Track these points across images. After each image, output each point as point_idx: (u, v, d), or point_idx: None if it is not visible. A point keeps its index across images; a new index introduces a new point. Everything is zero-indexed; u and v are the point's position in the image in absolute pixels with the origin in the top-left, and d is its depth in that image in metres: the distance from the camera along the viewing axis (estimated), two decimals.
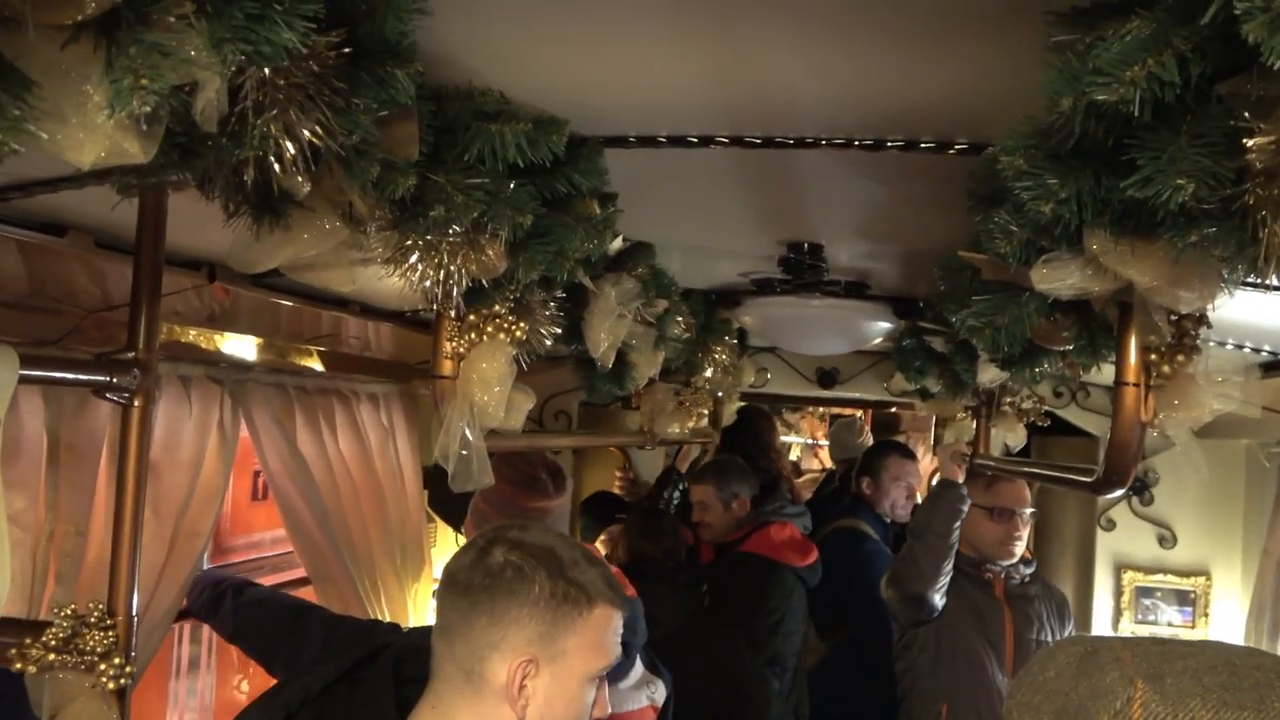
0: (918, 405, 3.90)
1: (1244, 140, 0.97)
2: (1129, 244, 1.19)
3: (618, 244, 2.20)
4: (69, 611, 1.64)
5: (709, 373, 3.30)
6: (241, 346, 2.73)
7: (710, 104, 1.50)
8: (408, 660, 1.65)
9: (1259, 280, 1.13)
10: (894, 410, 5.75)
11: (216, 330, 2.63)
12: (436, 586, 1.62)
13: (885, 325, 3.12)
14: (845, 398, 4.91)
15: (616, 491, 4.75)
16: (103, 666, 1.63)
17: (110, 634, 1.66)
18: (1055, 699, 0.95)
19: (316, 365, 3.08)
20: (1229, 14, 0.80)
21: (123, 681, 1.66)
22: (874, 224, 2.18)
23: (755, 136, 1.58)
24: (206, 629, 3.23)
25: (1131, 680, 0.90)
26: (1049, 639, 3.46)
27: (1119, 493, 1.71)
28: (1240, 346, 2.75)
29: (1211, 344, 1.69)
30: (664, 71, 1.40)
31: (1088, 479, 1.71)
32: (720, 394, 4.18)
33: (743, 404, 5.38)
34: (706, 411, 4.12)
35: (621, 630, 1.63)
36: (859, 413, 8.26)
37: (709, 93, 1.46)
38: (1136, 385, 1.52)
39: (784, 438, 8.54)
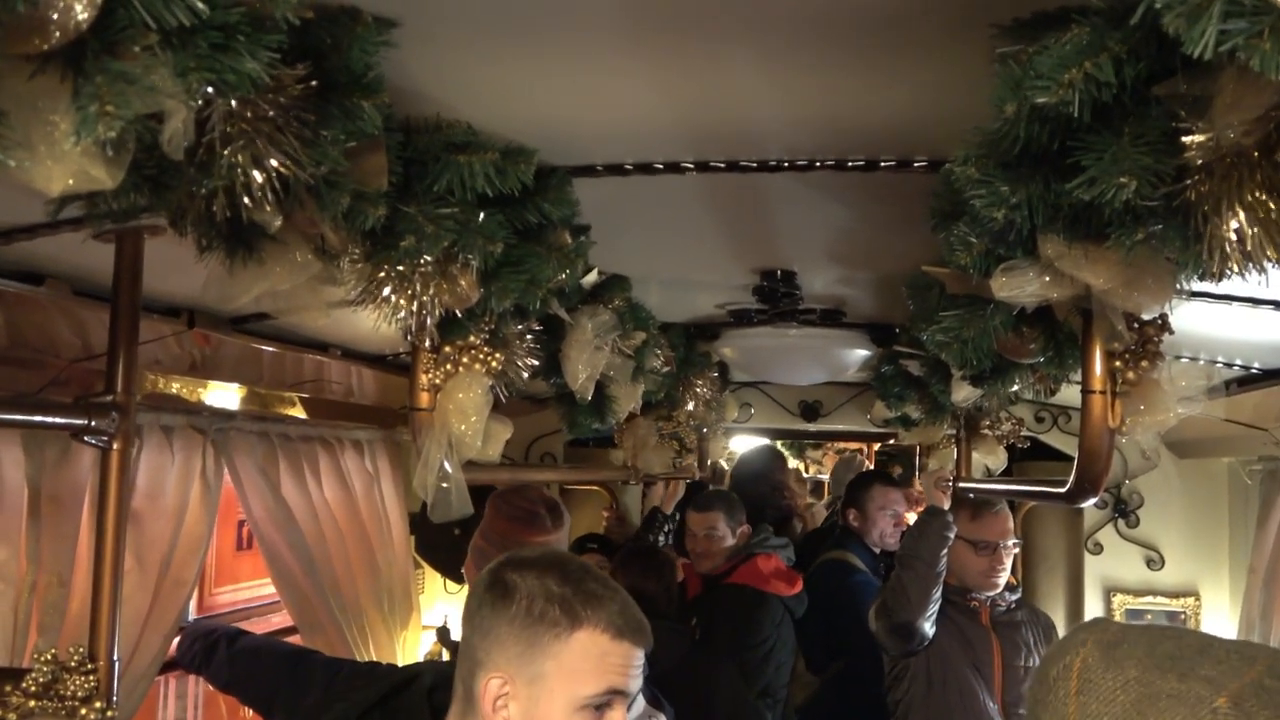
0: (900, 435, 3.92)
1: (1182, 138, 1.01)
2: (1082, 248, 1.22)
3: (593, 277, 2.23)
4: (49, 657, 1.63)
5: (690, 406, 3.31)
6: (224, 396, 2.75)
7: (674, 130, 1.53)
8: (440, 688, 1.64)
9: (1208, 277, 1.16)
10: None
11: (199, 379, 2.64)
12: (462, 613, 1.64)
13: (862, 353, 3.15)
14: (829, 430, 4.93)
15: (603, 532, 4.74)
16: (84, 712, 1.62)
17: (91, 679, 1.65)
18: (1041, 663, 1.01)
19: (300, 413, 3.10)
20: (1155, 12, 0.83)
21: None
22: (843, 248, 2.22)
23: (720, 161, 1.61)
24: (191, 684, 3.21)
25: (1084, 641, 0.95)
26: (1036, 665, 3.47)
27: (1091, 501, 1.72)
28: (1214, 362, 2.78)
29: (1184, 359, 1.71)
30: (628, 99, 1.44)
31: (1060, 490, 1.73)
32: (705, 430, 4.19)
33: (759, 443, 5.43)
34: (693, 450, 4.14)
35: (633, 660, 1.56)
36: (862, 448, 8.33)
37: (673, 119, 1.49)
38: (1103, 393, 1.54)
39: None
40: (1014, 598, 3.59)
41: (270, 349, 2.88)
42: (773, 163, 1.60)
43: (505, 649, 1.49)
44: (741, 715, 3.42)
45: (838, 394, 4.56)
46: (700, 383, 3.32)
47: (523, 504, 2.88)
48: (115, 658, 1.75)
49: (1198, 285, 1.93)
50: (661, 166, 1.62)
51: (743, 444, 6.07)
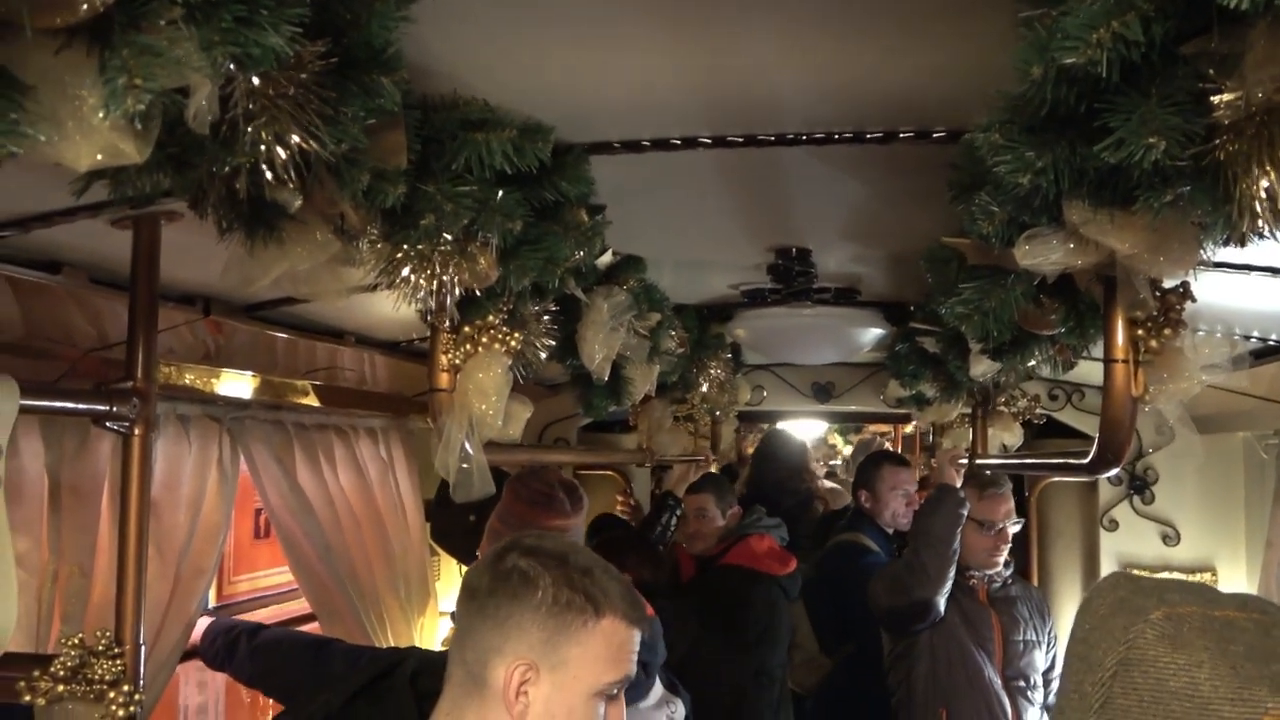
0: (915, 414, 3.91)
1: (1211, 98, 1.00)
2: (1108, 213, 1.22)
3: (608, 258, 2.23)
4: (76, 641, 1.64)
5: (704, 388, 3.31)
6: (239, 385, 2.74)
7: (691, 105, 1.52)
8: (424, 674, 1.64)
9: (1236, 238, 1.15)
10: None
11: (213, 368, 2.64)
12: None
13: (877, 332, 3.14)
14: (842, 411, 4.93)
15: (620, 514, 4.74)
16: (112, 694, 1.63)
17: (119, 662, 1.66)
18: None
19: (314, 401, 3.09)
20: None
21: (133, 709, 1.66)
22: (859, 225, 2.21)
23: (737, 136, 1.60)
24: (211, 676, 3.22)
25: (1120, 573, 1.11)
26: (1034, 638, 3.58)
27: (1114, 471, 1.71)
28: (1231, 334, 2.77)
29: (1201, 331, 1.70)
30: (644, 74, 1.43)
31: (1083, 461, 1.72)
32: (718, 413, 4.20)
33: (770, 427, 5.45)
34: (706, 436, 4.15)
35: (638, 648, 1.59)
36: (886, 429, 8.34)
37: (689, 93, 1.49)
38: (1125, 362, 1.54)
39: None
40: (1008, 574, 3.64)
41: (283, 336, 2.89)
42: (790, 135, 1.59)
43: (527, 636, 1.48)
44: (745, 695, 3.43)
45: (850, 375, 4.56)
46: (714, 365, 3.31)
47: (540, 487, 2.88)
48: (141, 641, 1.76)
49: (1219, 254, 1.93)
50: (679, 142, 1.62)
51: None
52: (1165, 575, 4.09)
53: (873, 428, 8.76)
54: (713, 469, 4.79)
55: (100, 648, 1.65)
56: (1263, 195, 1.00)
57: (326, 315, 2.83)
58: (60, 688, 1.62)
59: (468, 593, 1.55)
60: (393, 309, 1.65)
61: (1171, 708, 0.93)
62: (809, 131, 1.59)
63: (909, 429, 7.60)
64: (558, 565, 1.52)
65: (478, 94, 1.43)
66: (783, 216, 2.19)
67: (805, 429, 8.18)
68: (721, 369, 3.41)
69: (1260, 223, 1.00)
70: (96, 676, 1.62)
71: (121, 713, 1.63)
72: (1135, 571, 4.05)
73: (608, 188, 1.82)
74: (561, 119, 1.52)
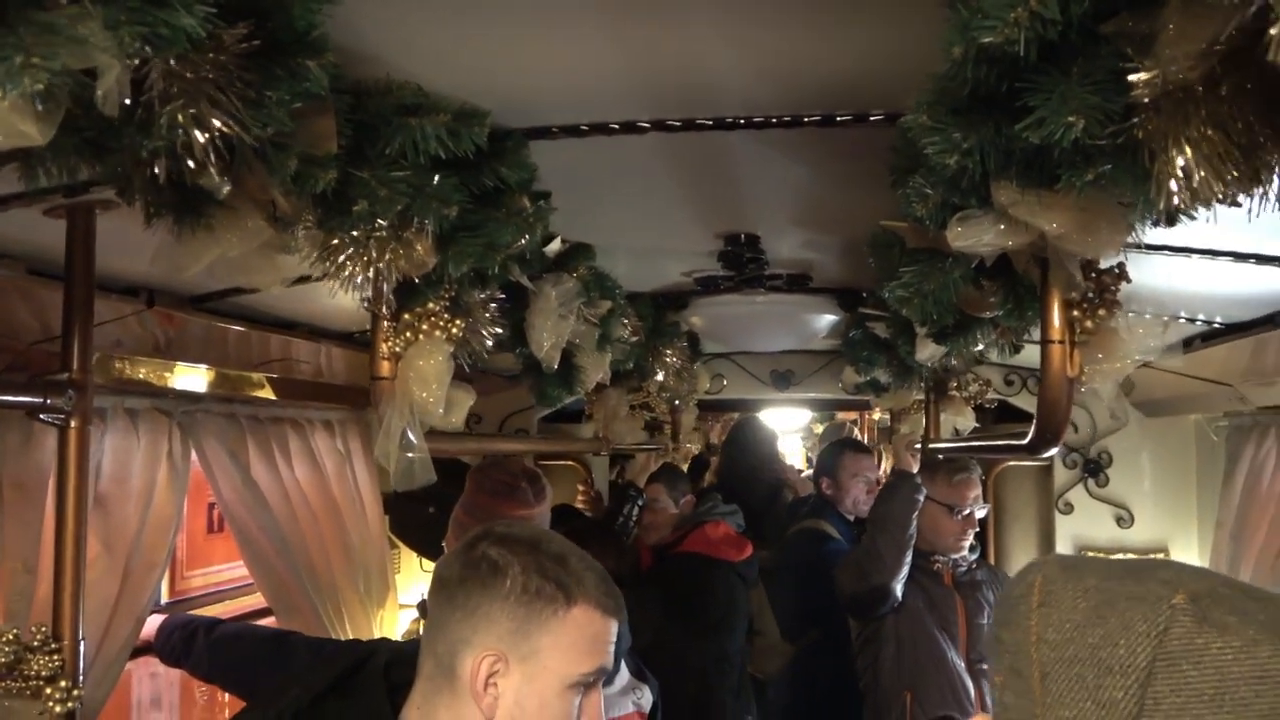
0: (873, 400, 3.94)
1: (1129, 77, 1.01)
2: (1035, 194, 1.23)
3: (556, 245, 2.22)
4: (11, 637, 1.62)
5: (660, 376, 3.31)
6: (191, 378, 2.71)
7: (629, 88, 1.52)
8: (396, 666, 1.60)
9: (1159, 217, 1.16)
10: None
11: (167, 361, 2.61)
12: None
13: (831, 318, 3.16)
14: (802, 398, 4.96)
15: (580, 506, 4.75)
16: (49, 691, 1.61)
17: (56, 658, 1.64)
18: (1003, 593, 1.05)
19: (269, 394, 3.06)
20: None
21: (71, 705, 1.64)
22: (805, 210, 2.21)
23: (675, 120, 1.60)
24: (165, 673, 3.19)
25: (1047, 562, 0.98)
26: None
27: (1053, 452, 1.73)
28: (1177, 317, 2.81)
29: (1148, 315, 1.72)
30: (580, 58, 1.42)
31: (1023, 441, 1.74)
32: (678, 401, 4.20)
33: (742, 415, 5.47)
34: (667, 421, 4.15)
35: (615, 638, 1.56)
36: (853, 416, 8.38)
37: (627, 77, 1.48)
38: (1061, 343, 1.55)
39: None
40: (974, 558, 3.68)
41: (236, 329, 2.86)
42: (729, 119, 1.59)
43: (496, 626, 1.45)
44: (705, 682, 3.45)
45: (809, 362, 4.59)
46: (670, 353, 3.32)
47: (503, 477, 2.88)
48: (81, 637, 1.74)
49: (1157, 238, 1.95)
50: (617, 126, 1.61)
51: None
52: (1120, 557, 4.15)
53: (841, 415, 8.80)
54: (681, 459, 4.81)
55: (36, 643, 1.62)
56: (1179, 173, 1.00)
57: (277, 306, 2.80)
58: None
59: (438, 583, 1.52)
60: (334, 298, 1.64)
61: (1242, 694, 0.83)
62: (748, 115, 1.58)
63: (877, 415, 7.65)
64: (528, 552, 1.49)
65: (411, 79, 1.42)
66: (730, 202, 2.19)
67: (791, 418, 8.26)
68: (678, 357, 3.41)
69: (1176, 200, 1.01)
70: (32, 672, 1.60)
71: (59, 709, 1.61)
72: (1090, 554, 4.13)
73: (553, 174, 1.81)
74: (498, 104, 1.51)
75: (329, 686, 1.56)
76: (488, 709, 1.46)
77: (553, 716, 1.48)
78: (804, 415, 8.20)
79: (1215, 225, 1.12)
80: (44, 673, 1.59)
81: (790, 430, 9.05)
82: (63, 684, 1.61)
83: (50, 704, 1.59)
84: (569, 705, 1.49)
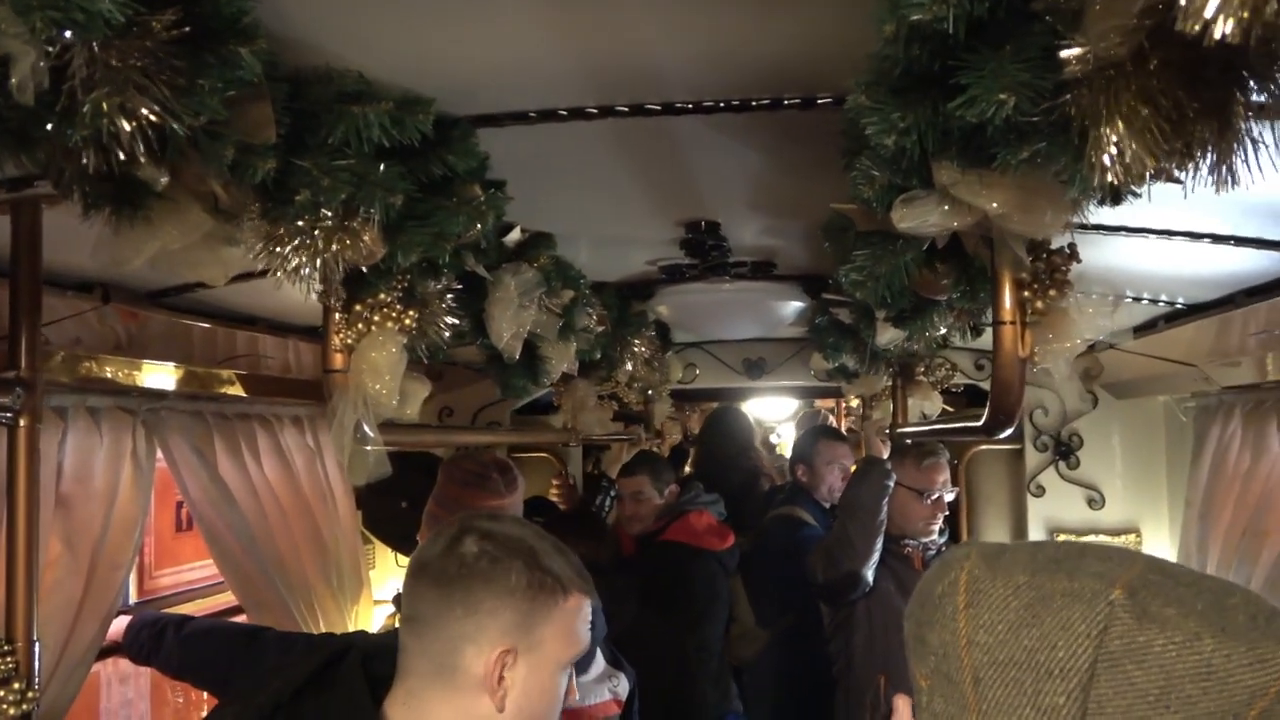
0: (843, 386, 3.95)
1: (1060, 53, 1.00)
2: (976, 174, 1.23)
3: (516, 235, 2.21)
4: None
5: (629, 366, 3.30)
6: (155, 375, 2.68)
7: (575, 74, 1.51)
8: (374, 659, 1.61)
9: (1095, 193, 1.16)
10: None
11: (133, 359, 2.58)
12: (404, 579, 1.58)
13: (796, 305, 3.16)
14: (774, 386, 4.97)
15: (554, 498, 4.74)
16: (2, 693, 1.59)
17: (8, 660, 1.62)
18: (920, 586, 0.98)
19: (238, 391, 3.04)
20: None
21: (26, 708, 1.62)
22: (763, 196, 2.21)
23: (624, 106, 1.59)
24: (135, 673, 3.17)
25: (968, 555, 0.93)
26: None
27: (1007, 433, 1.73)
28: (1139, 299, 2.82)
29: (1095, 296, 1.72)
30: (523, 43, 1.41)
31: (979, 424, 1.75)
32: (650, 392, 4.20)
33: (720, 405, 5.48)
34: (640, 411, 4.14)
35: (590, 618, 1.62)
36: (830, 403, 8.38)
37: (572, 62, 1.47)
38: (1013, 323, 1.55)
39: None
40: (942, 541, 3.70)
41: (200, 325, 2.83)
42: (678, 104, 1.58)
43: (500, 620, 1.48)
44: (686, 670, 3.46)
45: (781, 350, 4.60)
46: (638, 343, 3.31)
47: (473, 467, 2.87)
48: (34, 638, 1.72)
49: (1115, 219, 1.96)
50: (565, 113, 1.60)
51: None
52: (1092, 538, 4.18)
53: (819, 403, 8.80)
54: (661, 448, 4.82)
55: None
56: (1112, 149, 1.00)
57: (242, 302, 2.78)
58: None
59: (428, 581, 1.51)
60: (280, 290, 1.62)
61: (1188, 692, 0.80)
62: (696, 100, 1.58)
63: (854, 402, 7.64)
64: (521, 545, 1.53)
65: (352, 67, 1.40)
66: (687, 189, 2.19)
67: (778, 407, 8.22)
68: (646, 347, 3.41)
69: (1110, 176, 1.01)
70: None
71: (13, 711, 1.60)
72: (1063, 537, 4.16)
73: (509, 163, 1.80)
74: (443, 91, 1.50)
75: (307, 680, 1.55)
76: (500, 701, 1.49)
77: (551, 699, 1.56)
78: (791, 404, 8.15)
79: (1165, 205, 1.13)
80: None
81: (782, 419, 8.97)
82: (16, 686, 1.59)
83: (4, 706, 1.57)
84: (561, 685, 1.57)
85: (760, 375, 4.61)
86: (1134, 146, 1.00)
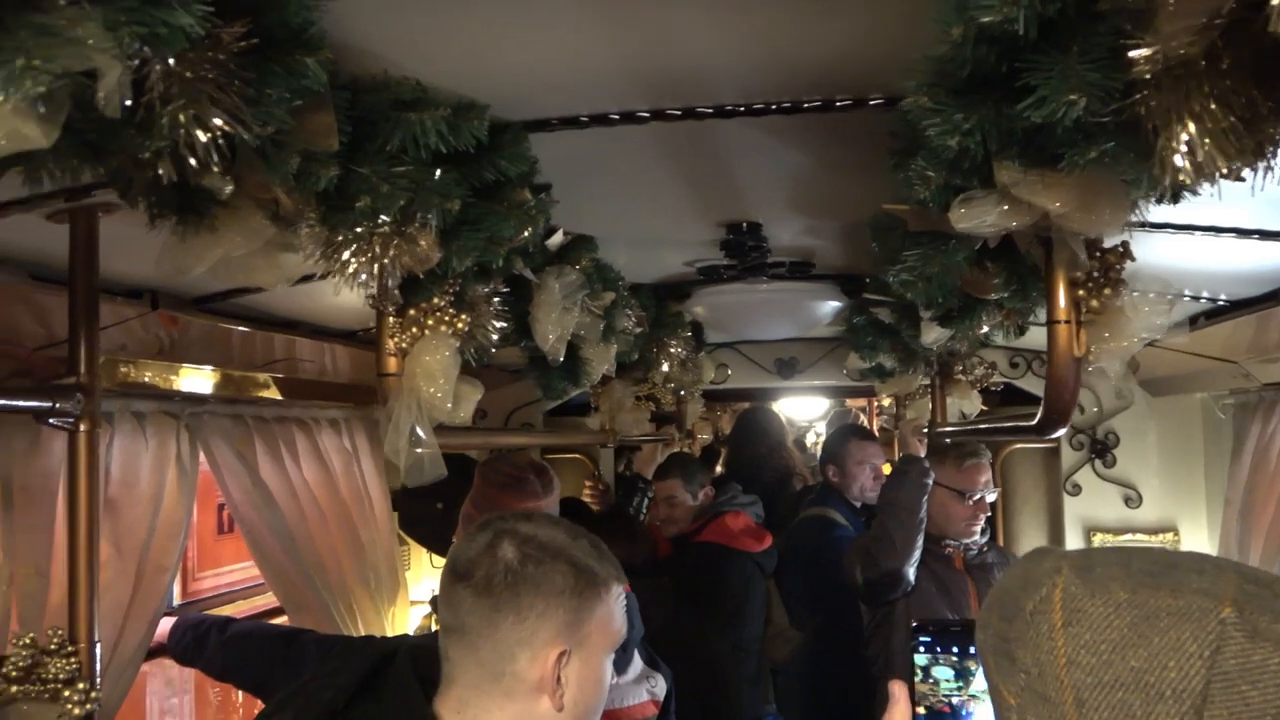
0: (877, 386, 3.94)
1: (1129, 53, 1.00)
2: (1037, 173, 1.22)
3: (558, 238, 2.22)
4: (27, 641, 1.62)
5: (665, 367, 3.31)
6: (197, 380, 2.72)
7: (627, 78, 1.51)
8: (420, 660, 1.61)
9: (1162, 193, 1.16)
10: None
11: (168, 363, 2.61)
12: (440, 586, 1.57)
13: (834, 304, 3.15)
14: (806, 386, 4.96)
15: (586, 499, 4.75)
16: (67, 694, 1.62)
17: (73, 660, 1.65)
18: (999, 597, 0.95)
19: (274, 394, 3.07)
20: None
21: (89, 708, 1.65)
22: (807, 196, 2.21)
23: (675, 109, 1.59)
24: (178, 670, 3.20)
25: (1059, 569, 0.90)
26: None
27: (1061, 432, 1.73)
28: (1181, 295, 2.80)
29: (1152, 295, 1.72)
30: (577, 48, 1.42)
31: (1031, 423, 1.74)
32: (682, 392, 4.20)
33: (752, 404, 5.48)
34: (673, 412, 4.15)
35: (625, 602, 1.64)
36: (861, 403, 8.34)
37: (624, 67, 1.48)
38: (1068, 322, 1.55)
39: None
40: (983, 540, 3.66)
41: (240, 329, 2.86)
42: (728, 107, 1.59)
43: (552, 622, 1.50)
44: (723, 671, 3.46)
45: (813, 349, 4.58)
46: (674, 343, 3.32)
47: (510, 470, 2.88)
48: (96, 639, 1.74)
49: (1160, 216, 1.95)
50: (617, 116, 1.61)
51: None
52: (1129, 537, 4.15)
53: (850, 401, 8.74)
54: (692, 448, 4.82)
55: (53, 646, 1.63)
56: (1183, 148, 1.00)
57: (280, 306, 2.80)
58: (13, 688, 1.60)
59: (470, 590, 1.50)
60: (347, 297, 1.64)
61: None
62: (747, 102, 1.58)
63: (886, 401, 7.58)
64: (562, 547, 1.55)
65: (409, 74, 1.42)
66: (731, 190, 2.19)
67: (811, 406, 8.15)
68: (682, 347, 3.41)
69: (1181, 176, 1.01)
70: (50, 676, 1.61)
71: (77, 711, 1.62)
72: (1099, 536, 4.13)
73: (554, 167, 1.81)
74: (497, 97, 1.51)
75: (359, 686, 1.56)
76: (560, 700, 1.51)
77: (602, 687, 1.59)
78: (822, 404, 8.07)
79: (1219, 201, 1.12)
80: (61, 676, 1.60)
81: (815, 418, 8.87)
82: (80, 686, 1.62)
83: (69, 706, 1.60)
84: (609, 670, 1.60)
85: (792, 375, 4.60)
86: (1206, 146, 0.99)
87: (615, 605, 1.59)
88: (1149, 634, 0.83)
